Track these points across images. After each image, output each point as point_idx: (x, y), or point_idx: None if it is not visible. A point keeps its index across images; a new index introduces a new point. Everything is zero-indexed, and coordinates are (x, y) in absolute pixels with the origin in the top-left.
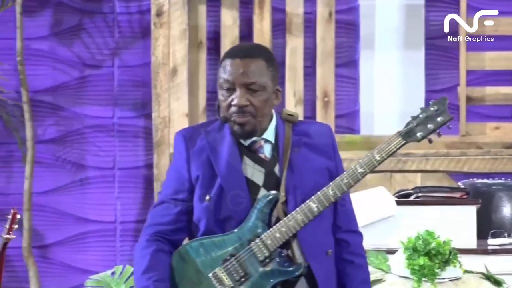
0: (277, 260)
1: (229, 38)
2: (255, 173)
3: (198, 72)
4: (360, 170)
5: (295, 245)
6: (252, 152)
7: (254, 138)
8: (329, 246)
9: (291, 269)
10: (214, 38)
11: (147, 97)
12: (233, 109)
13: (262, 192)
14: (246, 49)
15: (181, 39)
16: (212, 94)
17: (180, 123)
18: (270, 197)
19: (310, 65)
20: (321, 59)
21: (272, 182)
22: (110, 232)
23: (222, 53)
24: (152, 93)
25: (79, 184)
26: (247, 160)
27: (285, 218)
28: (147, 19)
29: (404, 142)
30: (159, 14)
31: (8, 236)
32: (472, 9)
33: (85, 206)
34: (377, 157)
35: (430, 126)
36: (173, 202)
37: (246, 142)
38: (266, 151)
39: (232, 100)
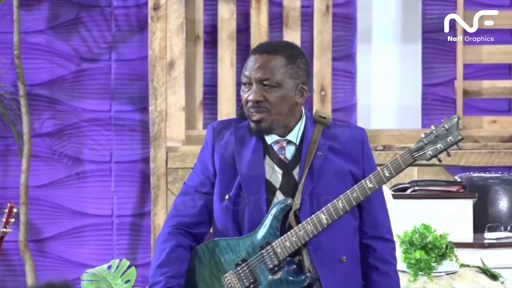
0: (286, 269)
1: (226, 31)
2: (274, 175)
3: (195, 66)
4: (370, 185)
5: (305, 252)
6: (273, 152)
7: (277, 138)
8: (344, 253)
9: (299, 279)
10: (211, 32)
11: (144, 91)
12: (249, 104)
13: (279, 194)
14: (269, 45)
15: (178, 33)
16: (209, 88)
17: (177, 117)
18: (284, 204)
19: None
20: (318, 53)
21: (289, 185)
22: (106, 226)
23: (219, 46)
24: (149, 86)
25: (75, 178)
26: (268, 160)
27: (296, 228)
28: (144, 12)
29: (413, 160)
30: (156, 7)
31: (4, 230)
32: (468, 3)
33: (82, 200)
34: (387, 174)
35: (439, 145)
36: (198, 194)
37: (269, 141)
38: (288, 153)
39: (249, 95)
